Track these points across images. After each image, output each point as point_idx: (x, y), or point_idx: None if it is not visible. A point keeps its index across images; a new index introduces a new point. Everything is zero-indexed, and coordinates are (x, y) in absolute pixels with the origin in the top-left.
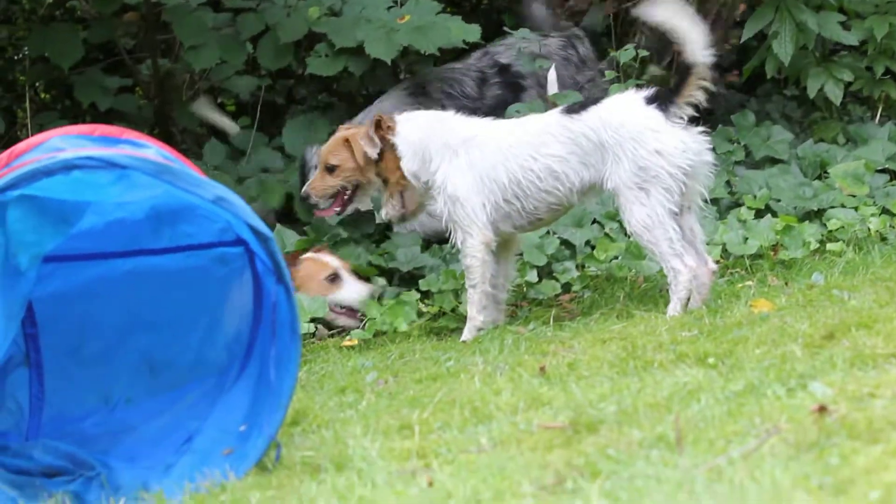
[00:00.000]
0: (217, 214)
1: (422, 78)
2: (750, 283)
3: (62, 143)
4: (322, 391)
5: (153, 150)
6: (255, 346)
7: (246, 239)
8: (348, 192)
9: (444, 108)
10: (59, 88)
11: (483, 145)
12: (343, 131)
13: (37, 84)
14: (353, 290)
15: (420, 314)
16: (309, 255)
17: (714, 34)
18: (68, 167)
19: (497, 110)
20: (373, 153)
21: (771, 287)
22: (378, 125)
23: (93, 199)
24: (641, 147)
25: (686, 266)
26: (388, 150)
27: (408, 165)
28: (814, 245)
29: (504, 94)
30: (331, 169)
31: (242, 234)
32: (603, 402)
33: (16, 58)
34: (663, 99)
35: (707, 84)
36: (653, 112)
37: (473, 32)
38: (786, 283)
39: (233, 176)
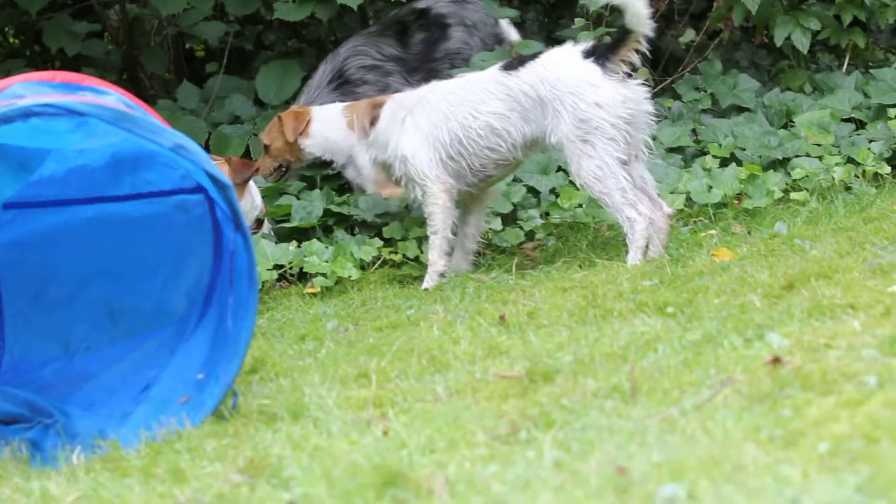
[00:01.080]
0: (177, 162)
1: (339, 63)
2: (713, 231)
3: (22, 89)
4: (282, 339)
5: (114, 97)
6: (215, 294)
7: (205, 186)
8: (283, 169)
9: (365, 83)
10: (29, 34)
11: (427, 106)
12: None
13: (6, 30)
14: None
15: (384, 262)
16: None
17: None
18: (27, 114)
19: (427, 54)
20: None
21: (734, 236)
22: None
23: (52, 146)
24: (581, 100)
25: (640, 214)
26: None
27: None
28: (778, 194)
29: (429, 37)
30: (266, 148)
31: (201, 181)
32: (560, 351)
33: None
34: (600, 53)
35: (643, 49)
36: (590, 66)
37: None
38: (749, 233)
39: (207, 122)
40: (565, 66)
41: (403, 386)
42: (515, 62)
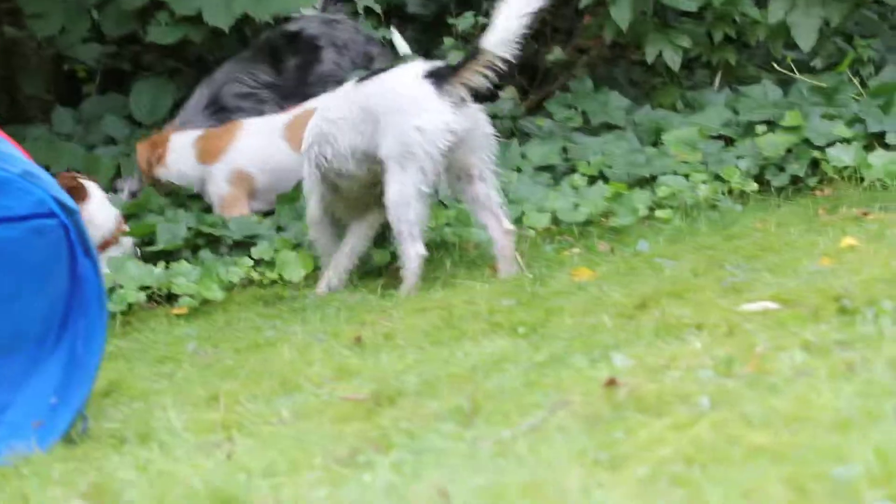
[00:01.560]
0: (32, 187)
1: (214, 87)
2: (576, 250)
3: None
4: (142, 361)
5: None
6: (70, 318)
7: (55, 212)
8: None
9: (241, 110)
10: None
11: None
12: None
13: None
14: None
15: (251, 282)
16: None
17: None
18: None
19: (301, 79)
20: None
21: (597, 255)
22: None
23: None
24: (405, 121)
25: (417, 254)
26: None
27: None
28: (643, 212)
29: (302, 61)
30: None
31: (52, 206)
32: (407, 373)
33: None
34: (441, 74)
35: (489, 74)
36: (425, 86)
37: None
38: (612, 251)
39: (82, 144)
40: (401, 83)
41: (252, 409)
42: (368, 74)
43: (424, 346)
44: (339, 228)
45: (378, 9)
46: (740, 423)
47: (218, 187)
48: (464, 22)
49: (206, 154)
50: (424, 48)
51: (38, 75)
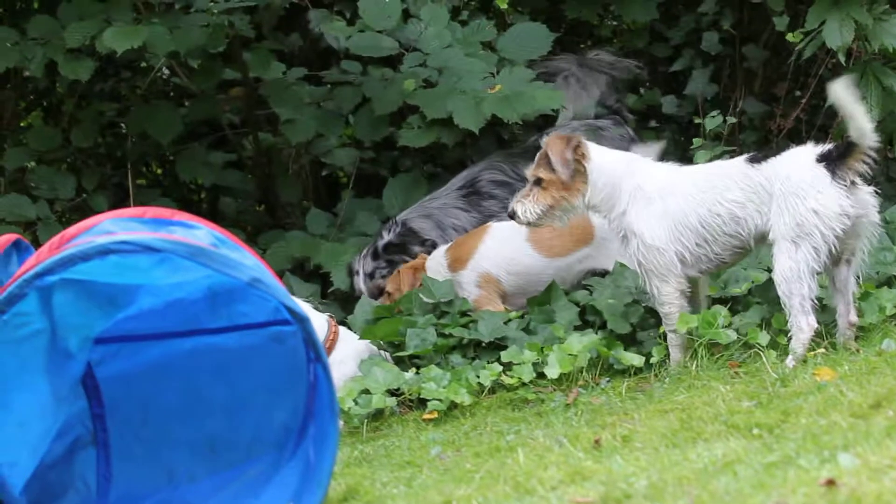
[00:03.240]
0: (265, 294)
1: (474, 172)
2: (822, 350)
3: (112, 226)
4: (384, 466)
5: (204, 232)
6: (309, 423)
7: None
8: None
9: (493, 197)
10: (168, 165)
11: (675, 193)
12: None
13: (148, 161)
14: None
15: (500, 385)
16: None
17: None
18: (103, 252)
19: None
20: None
21: (840, 354)
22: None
23: (140, 281)
24: (802, 203)
25: (809, 325)
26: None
27: (593, 195)
28: (890, 310)
29: None
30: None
31: (282, 314)
32: (637, 475)
33: (123, 134)
34: (833, 158)
35: (869, 160)
36: (819, 170)
37: (557, 99)
38: (857, 350)
39: (334, 241)
40: (797, 165)
41: None
42: (760, 156)
43: (660, 449)
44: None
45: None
46: None
47: (468, 293)
48: (711, 122)
49: (456, 262)
50: (682, 148)
51: (296, 182)
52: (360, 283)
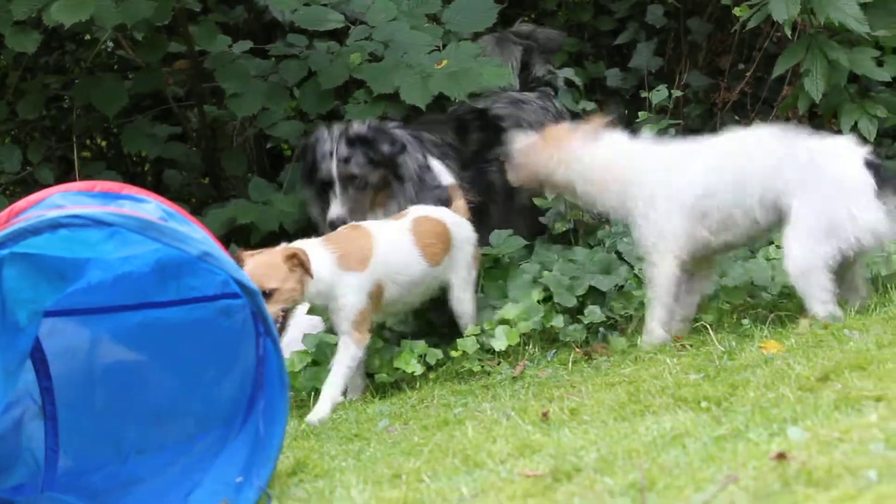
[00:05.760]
0: (213, 268)
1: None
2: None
3: (62, 199)
4: (332, 439)
5: (153, 206)
6: (256, 398)
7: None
8: None
9: (431, 153)
10: (112, 138)
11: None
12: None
13: (93, 134)
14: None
15: (447, 358)
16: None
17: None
18: (54, 226)
19: (480, 153)
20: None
21: (786, 327)
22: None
23: (89, 255)
24: (840, 199)
25: (833, 317)
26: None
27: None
28: None
29: (485, 138)
30: None
31: (231, 287)
32: (587, 448)
33: (68, 107)
34: (880, 172)
35: None
36: (868, 177)
37: (504, 77)
38: (809, 325)
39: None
40: (846, 159)
41: (433, 486)
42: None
43: (608, 422)
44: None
45: (579, 82)
46: None
47: (352, 300)
48: (657, 96)
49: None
50: (626, 121)
51: (241, 154)
52: (332, 166)
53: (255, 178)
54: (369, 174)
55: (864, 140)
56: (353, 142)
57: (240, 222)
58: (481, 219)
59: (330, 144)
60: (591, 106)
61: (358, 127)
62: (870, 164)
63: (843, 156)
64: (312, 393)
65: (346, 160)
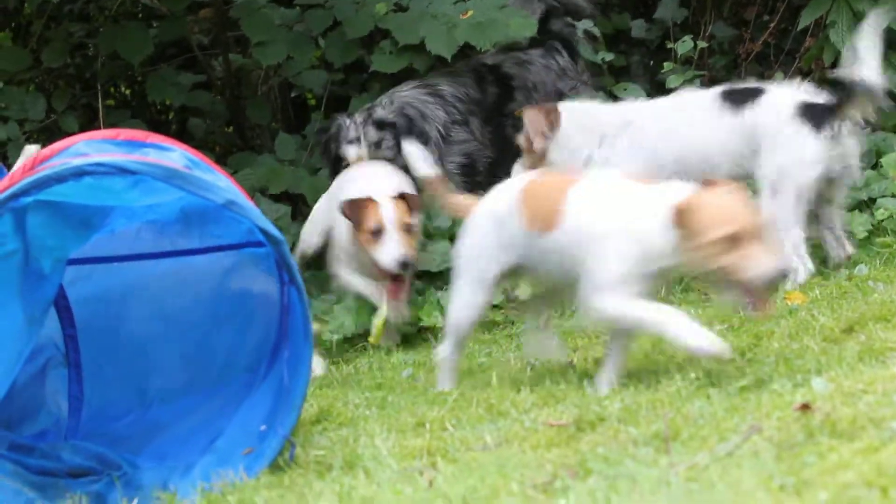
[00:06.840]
0: (238, 217)
1: (433, 78)
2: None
3: (86, 147)
4: (355, 388)
5: (177, 154)
6: (282, 346)
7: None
8: None
9: (456, 109)
10: (137, 86)
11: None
12: None
13: (117, 82)
14: (390, 253)
15: None
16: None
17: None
18: (78, 173)
19: (496, 110)
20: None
21: (812, 277)
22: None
23: (113, 203)
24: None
25: (806, 270)
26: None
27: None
28: (862, 234)
29: (499, 93)
30: None
31: (257, 236)
32: (611, 398)
33: (92, 55)
34: (818, 110)
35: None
36: (802, 121)
37: (531, 27)
38: (829, 275)
39: (306, 169)
40: (783, 112)
41: (457, 435)
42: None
43: (632, 372)
44: None
45: (598, 34)
46: None
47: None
48: (683, 47)
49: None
50: (650, 73)
51: (265, 103)
52: (359, 151)
53: (281, 135)
54: (398, 157)
55: (892, 94)
56: (382, 125)
57: (271, 192)
58: (499, 173)
59: (355, 130)
60: (609, 56)
61: (381, 111)
62: (804, 108)
63: (781, 110)
64: (335, 342)
65: (377, 144)
